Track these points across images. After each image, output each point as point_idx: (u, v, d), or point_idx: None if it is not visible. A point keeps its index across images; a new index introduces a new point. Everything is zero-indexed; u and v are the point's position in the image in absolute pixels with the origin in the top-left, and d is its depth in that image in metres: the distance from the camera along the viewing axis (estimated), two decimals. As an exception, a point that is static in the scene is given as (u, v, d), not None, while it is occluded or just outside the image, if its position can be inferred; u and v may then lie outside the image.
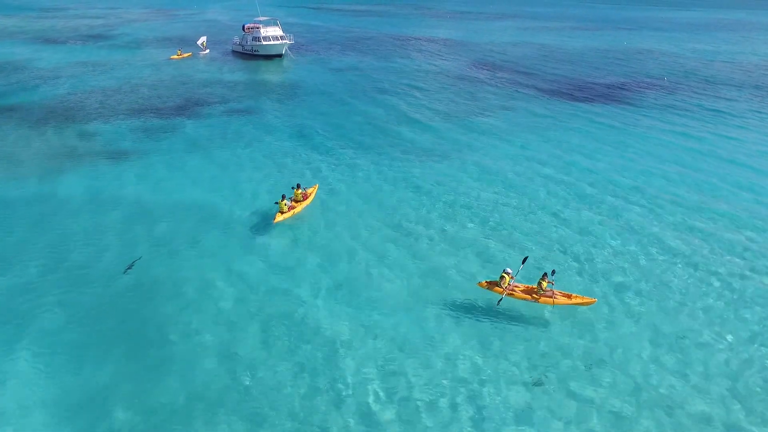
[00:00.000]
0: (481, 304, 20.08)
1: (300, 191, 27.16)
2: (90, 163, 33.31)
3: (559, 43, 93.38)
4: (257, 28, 75.17)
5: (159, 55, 74.55)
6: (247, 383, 16.53)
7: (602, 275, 22.22)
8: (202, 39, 80.00)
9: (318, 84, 57.20)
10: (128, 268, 21.92)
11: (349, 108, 47.43)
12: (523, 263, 20.38)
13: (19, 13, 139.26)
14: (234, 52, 78.83)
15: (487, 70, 67.32)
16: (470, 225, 26.12)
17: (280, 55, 72.83)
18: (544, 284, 19.29)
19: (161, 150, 35.85)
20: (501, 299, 19.48)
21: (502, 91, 54.92)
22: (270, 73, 63.99)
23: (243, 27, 78.65)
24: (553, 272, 19.57)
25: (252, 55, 74.23)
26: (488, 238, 24.89)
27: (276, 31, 74.20)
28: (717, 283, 21.90)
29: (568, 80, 61.46)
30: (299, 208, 26.75)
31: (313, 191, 28.62)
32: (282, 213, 25.73)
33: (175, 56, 73.05)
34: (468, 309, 19.93)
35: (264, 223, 26.21)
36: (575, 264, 22.96)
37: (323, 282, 21.56)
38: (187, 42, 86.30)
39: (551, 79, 62.04)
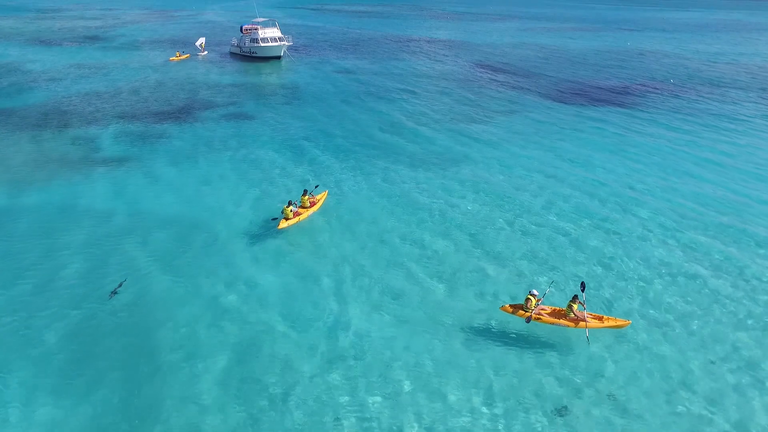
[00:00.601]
0: (502, 328, 18.76)
1: (307, 198, 26.12)
2: (82, 172, 31.97)
3: (560, 45, 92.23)
4: (255, 29, 73.81)
5: (156, 57, 73.20)
6: (252, 410, 15.28)
7: (627, 296, 20.91)
8: (201, 40, 78.95)
9: (317, 87, 55.92)
10: (113, 293, 20.16)
11: (350, 113, 46.14)
12: (549, 286, 18.92)
13: (15, 14, 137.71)
14: (232, 53, 77.47)
15: (489, 72, 66.09)
16: (484, 242, 24.80)
17: (278, 57, 71.52)
18: (575, 306, 17.89)
19: (157, 157, 34.53)
20: (529, 318, 18.03)
21: (504, 95, 53.69)
22: (268, 76, 62.68)
23: (241, 28, 77.30)
24: (583, 286, 18.20)
25: (250, 56, 72.90)
26: (504, 258, 23.55)
27: (274, 32, 72.86)
28: (746, 305, 20.68)
29: (570, 83, 60.27)
30: (305, 215, 25.63)
31: (321, 198, 27.45)
32: (287, 219, 24.67)
33: (174, 58, 71.92)
34: (488, 333, 18.58)
35: (266, 231, 25.05)
36: (597, 284, 21.63)
37: (328, 298, 20.33)
38: (185, 44, 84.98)
39: (554, 82, 60.85)
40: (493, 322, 18.99)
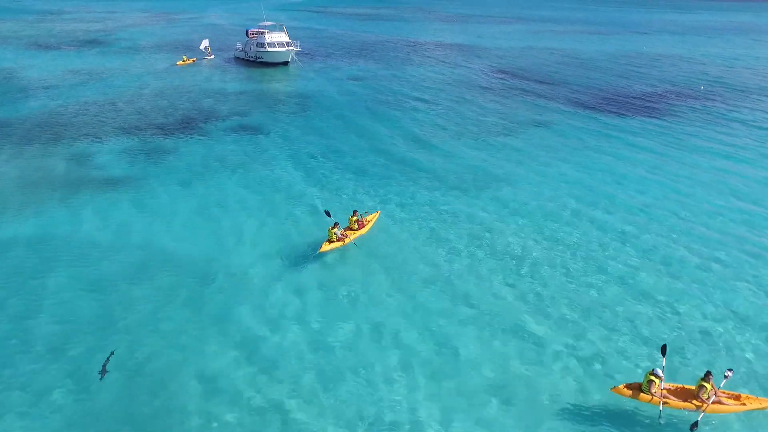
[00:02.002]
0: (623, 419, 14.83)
1: (356, 219, 23.21)
2: (75, 196, 28.36)
3: (573, 49, 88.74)
4: (262, 33, 70.23)
5: (158, 62, 69.64)
6: None
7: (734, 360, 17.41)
8: (205, 43, 75.54)
9: (328, 96, 52.31)
10: (103, 372, 15.93)
11: (366, 126, 42.53)
12: (663, 355, 14.82)
13: (15, 16, 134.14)
14: (237, 58, 73.92)
15: (505, 78, 62.58)
16: (550, 290, 21.26)
17: (286, 63, 67.92)
18: (708, 386, 14.06)
19: (160, 178, 30.93)
20: (660, 415, 14.23)
21: (525, 105, 50.15)
22: (276, 83, 59.12)
23: (246, 32, 73.70)
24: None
25: (256, 62, 69.34)
26: (573, 314, 20.08)
27: (282, 37, 69.24)
28: None
29: (593, 90, 56.75)
30: (351, 237, 22.80)
31: (372, 220, 24.42)
32: (330, 242, 21.95)
33: (181, 62, 68.72)
34: (584, 417, 15.05)
35: (295, 260, 22.09)
36: (687, 347, 17.90)
37: (372, 350, 16.81)
38: (188, 48, 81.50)
39: (576, 89, 57.34)
40: (608, 408, 15.00)
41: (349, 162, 33.91)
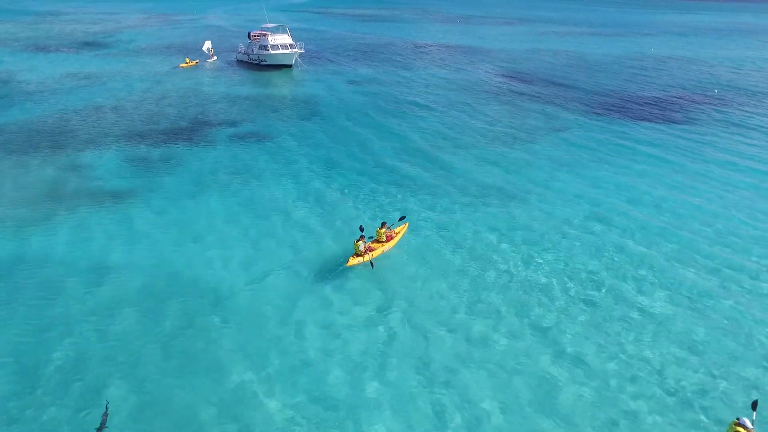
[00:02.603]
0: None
1: (384, 230, 22.06)
2: (75, 213, 26.59)
3: (579, 51, 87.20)
4: (264, 35, 68.44)
5: (158, 65, 67.83)
6: None
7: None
8: (207, 44, 73.81)
9: (336, 100, 50.64)
10: (101, 428, 13.77)
11: (378, 130, 40.90)
12: (754, 409, 13.38)
13: (13, 18, 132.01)
14: (239, 61, 72.10)
15: (512, 83, 60.98)
16: (602, 327, 19.76)
17: (289, 66, 66.14)
18: None
19: (164, 193, 29.15)
20: None
21: (535, 111, 48.52)
22: (281, 87, 57.39)
23: (248, 34, 71.85)
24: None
25: (259, 65, 67.56)
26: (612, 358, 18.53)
27: (285, 39, 67.43)
28: None
29: (603, 95, 55.16)
30: (379, 250, 21.69)
31: (401, 231, 23.36)
32: (357, 255, 20.87)
33: (184, 64, 67.07)
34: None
35: (325, 274, 20.75)
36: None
37: (409, 378, 15.21)
38: (189, 50, 79.64)
39: (585, 93, 55.75)
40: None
41: (360, 173, 32.18)
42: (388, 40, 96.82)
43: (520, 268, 21.87)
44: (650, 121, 45.21)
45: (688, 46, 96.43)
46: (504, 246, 23.65)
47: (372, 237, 22.13)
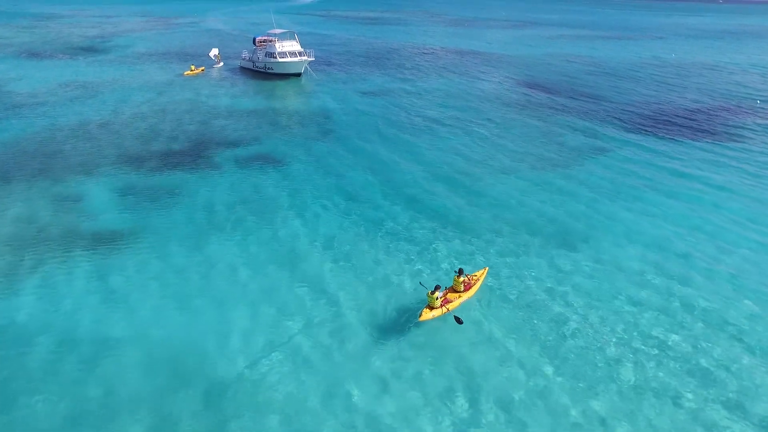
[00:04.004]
0: None
1: (463, 279, 19.07)
2: (42, 261, 21.91)
3: (593, 56, 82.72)
4: (271, 41, 63.67)
5: (160, 73, 63.02)
6: None
7: None
8: (214, 51, 69.84)
9: (349, 116, 45.85)
10: None
11: (399, 152, 36.20)
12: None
13: (9, 21, 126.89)
14: (242, 68, 67.35)
15: (538, 93, 56.44)
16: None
17: (298, 75, 61.32)
18: None
19: (163, 234, 24.47)
20: None
21: (572, 126, 43.97)
22: (290, 100, 52.63)
23: (254, 40, 67.01)
24: None
25: (265, 73, 62.78)
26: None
27: (293, 45, 62.53)
28: None
29: (631, 107, 50.57)
30: (458, 302, 18.77)
31: (480, 278, 20.08)
32: (431, 309, 17.95)
33: (189, 72, 62.54)
34: None
35: (389, 330, 17.12)
36: None
37: None
38: (194, 55, 75.12)
39: (611, 105, 51.18)
40: None
41: (389, 208, 27.48)
42: (396, 45, 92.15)
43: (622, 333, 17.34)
44: (693, 138, 40.58)
45: (706, 51, 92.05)
46: (578, 300, 19.12)
47: (437, 286, 18.40)
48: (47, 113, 44.84)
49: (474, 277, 19.86)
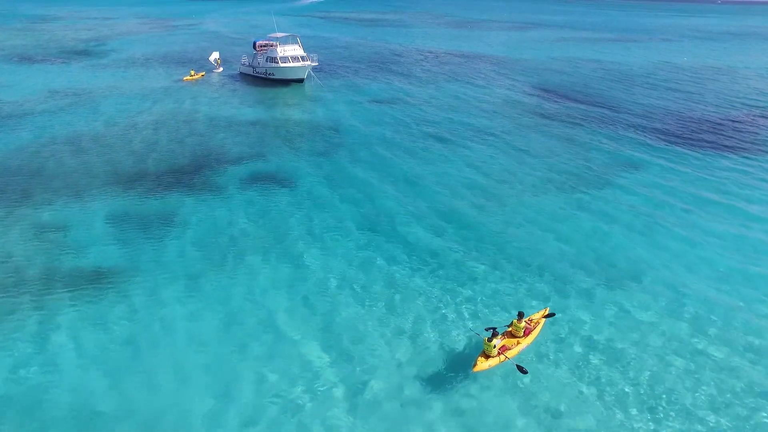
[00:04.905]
0: None
1: (523, 324, 16.62)
2: (30, 306, 18.78)
3: (605, 60, 79.59)
4: (272, 46, 60.35)
5: (156, 79, 59.70)
6: None
7: None
8: (215, 55, 66.77)
9: (358, 127, 42.50)
10: None
11: (416, 172, 32.86)
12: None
13: (3, 23, 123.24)
14: (242, 74, 64.01)
15: (550, 100, 53.30)
16: None
17: (301, 80, 58.00)
18: None
19: (156, 273, 21.11)
20: None
21: (600, 137, 40.81)
22: (293, 109, 49.29)
23: (254, 45, 63.62)
24: None
25: (266, 79, 59.47)
26: None
27: (296, 50, 59.13)
28: None
29: (656, 116, 47.40)
30: (517, 349, 16.29)
31: (541, 320, 17.47)
32: (488, 357, 15.52)
33: (189, 77, 59.41)
34: None
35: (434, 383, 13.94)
36: None
37: None
38: (193, 60, 71.94)
39: (634, 114, 48.00)
40: None
41: (413, 239, 24.26)
42: (400, 48, 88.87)
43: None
44: (724, 153, 37.27)
45: (714, 53, 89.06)
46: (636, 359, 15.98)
47: (494, 331, 15.86)
48: (33, 124, 41.48)
49: (534, 321, 17.23)
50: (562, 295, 19.99)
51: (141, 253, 22.51)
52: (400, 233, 24.63)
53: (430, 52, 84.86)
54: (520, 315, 16.72)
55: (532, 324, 17.11)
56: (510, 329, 16.72)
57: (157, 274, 20.99)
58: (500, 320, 18.07)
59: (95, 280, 20.52)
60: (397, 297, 19.61)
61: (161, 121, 42.95)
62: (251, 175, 31.56)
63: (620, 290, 20.28)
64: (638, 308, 19.16)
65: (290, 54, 57.92)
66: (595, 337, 17.60)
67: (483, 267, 21.73)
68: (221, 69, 66.20)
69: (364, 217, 26.33)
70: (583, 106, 50.30)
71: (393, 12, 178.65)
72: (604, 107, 50.22)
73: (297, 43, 60.36)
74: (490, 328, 16.06)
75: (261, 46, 61.88)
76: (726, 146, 38.83)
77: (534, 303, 19.41)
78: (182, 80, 59.25)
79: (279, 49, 58.29)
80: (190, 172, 31.84)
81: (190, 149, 36.09)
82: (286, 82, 57.66)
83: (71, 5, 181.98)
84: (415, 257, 22.46)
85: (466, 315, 18.61)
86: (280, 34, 60.77)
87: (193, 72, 61.48)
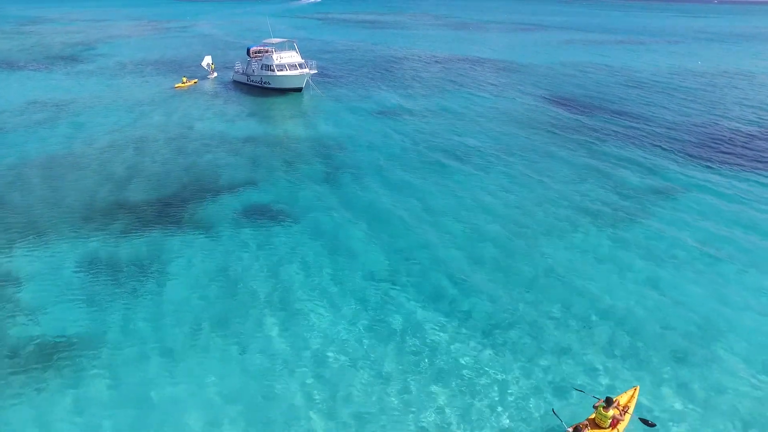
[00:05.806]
0: None
1: (612, 411, 13.29)
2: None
3: (615, 64, 75.75)
4: (267, 52, 56.29)
5: (145, 87, 55.59)
6: None
7: None
8: (207, 60, 62.76)
9: (363, 144, 38.36)
10: None
11: (434, 200, 28.87)
12: None
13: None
14: (236, 82, 59.94)
15: (568, 111, 49.46)
16: None
17: (299, 90, 53.97)
18: None
19: (124, 345, 17.31)
20: None
21: (627, 155, 36.93)
22: (292, 122, 45.25)
23: (248, 51, 59.43)
24: None
25: (261, 88, 55.44)
26: None
27: (293, 57, 55.02)
28: None
29: (682, 129, 43.61)
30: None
31: (631, 402, 14.11)
32: (598, 428, 13.07)
33: (180, 85, 55.65)
34: None
35: None
36: None
37: None
38: (186, 66, 67.79)
39: (659, 126, 44.22)
40: None
41: (439, 293, 20.39)
42: (401, 53, 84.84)
43: None
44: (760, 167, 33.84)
45: (728, 57, 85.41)
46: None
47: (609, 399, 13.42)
48: (5, 143, 37.40)
49: (623, 405, 13.87)
50: (630, 372, 16.14)
51: (109, 318, 18.49)
52: (415, 290, 20.65)
53: (433, 57, 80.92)
54: (608, 401, 13.38)
55: (623, 407, 13.69)
56: (594, 417, 13.41)
57: (126, 347, 17.05)
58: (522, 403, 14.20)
59: (46, 356, 16.55)
60: (429, 379, 15.70)
61: (146, 138, 38.91)
62: (245, 208, 27.51)
63: (705, 360, 16.45)
64: (732, 386, 15.33)
65: (287, 61, 53.84)
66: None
67: (521, 335, 17.85)
68: (215, 75, 62.33)
69: (373, 266, 22.24)
70: (601, 118, 46.51)
71: (392, 13, 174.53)
72: (624, 119, 46.43)
73: (294, 49, 56.27)
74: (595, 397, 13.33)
75: (255, 53, 57.77)
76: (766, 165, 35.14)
77: (589, 382, 15.57)
78: (173, 88, 55.31)
79: (275, 55, 54.20)
80: (175, 204, 27.82)
81: (176, 174, 32.06)
82: (282, 92, 53.64)
83: (63, 6, 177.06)
84: (436, 322, 18.54)
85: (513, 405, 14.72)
86: (275, 40, 56.64)
87: (185, 79, 57.54)
